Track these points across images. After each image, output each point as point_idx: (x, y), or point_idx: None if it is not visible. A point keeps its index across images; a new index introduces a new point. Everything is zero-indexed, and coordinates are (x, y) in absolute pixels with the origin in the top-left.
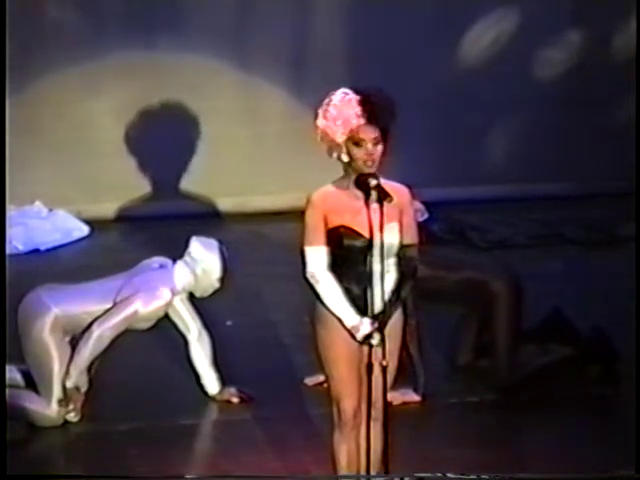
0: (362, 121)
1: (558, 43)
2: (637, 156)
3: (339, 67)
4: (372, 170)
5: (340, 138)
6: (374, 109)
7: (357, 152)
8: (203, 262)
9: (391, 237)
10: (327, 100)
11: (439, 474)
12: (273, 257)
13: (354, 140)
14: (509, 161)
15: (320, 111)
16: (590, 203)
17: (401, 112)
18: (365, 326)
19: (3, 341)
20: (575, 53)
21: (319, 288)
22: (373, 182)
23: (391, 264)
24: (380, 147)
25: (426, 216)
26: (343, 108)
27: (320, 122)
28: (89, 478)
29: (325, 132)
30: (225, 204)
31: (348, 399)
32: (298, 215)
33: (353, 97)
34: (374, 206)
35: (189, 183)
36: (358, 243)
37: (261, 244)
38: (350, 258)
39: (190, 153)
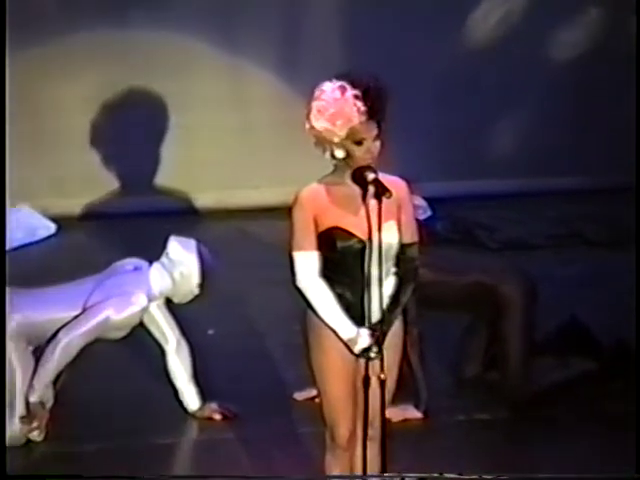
0: (363, 118)
1: (572, 23)
2: (637, 155)
3: (333, 49)
4: (369, 163)
5: (338, 138)
6: (374, 104)
7: (357, 150)
8: (182, 264)
9: (389, 237)
10: (318, 93)
11: (439, 474)
12: (260, 259)
13: (354, 139)
14: (520, 152)
15: (314, 108)
16: (612, 199)
17: (400, 100)
18: (363, 338)
19: (3, 340)
20: (591, 35)
21: (311, 296)
22: (371, 176)
23: (390, 267)
24: (379, 142)
25: (428, 214)
26: (343, 106)
27: (316, 123)
28: (89, 478)
29: (322, 133)
30: (207, 199)
31: (342, 417)
32: (289, 212)
33: (350, 92)
34: (372, 203)
35: (166, 176)
36: (353, 245)
37: (247, 244)
38: (344, 262)
39: (168, 143)
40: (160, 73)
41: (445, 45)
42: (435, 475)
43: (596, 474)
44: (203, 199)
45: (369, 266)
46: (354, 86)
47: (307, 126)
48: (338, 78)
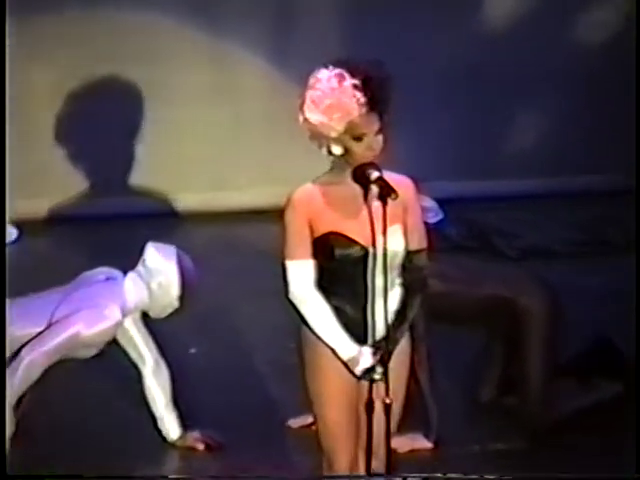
0: (363, 111)
1: (603, 3)
2: (637, 155)
3: (330, 34)
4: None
5: (336, 133)
6: (376, 94)
7: (356, 146)
8: (161, 274)
9: (395, 243)
10: (313, 82)
11: (441, 474)
12: (249, 267)
13: (354, 134)
14: (543, 149)
15: (308, 98)
16: None
17: (405, 90)
18: (366, 357)
19: (3, 339)
20: (622, 15)
21: (306, 310)
22: (374, 174)
23: (395, 277)
24: (381, 137)
25: (439, 217)
26: (340, 97)
27: (311, 115)
28: (89, 478)
29: (317, 127)
30: (189, 201)
31: (342, 447)
32: (281, 215)
33: (349, 81)
34: (375, 204)
35: (143, 175)
36: (354, 252)
37: (234, 251)
38: (344, 272)
39: (145, 138)
40: (136, 59)
41: (457, 32)
42: (438, 475)
43: (596, 474)
44: (185, 200)
45: (372, 276)
46: (353, 74)
47: (300, 118)
48: (335, 65)
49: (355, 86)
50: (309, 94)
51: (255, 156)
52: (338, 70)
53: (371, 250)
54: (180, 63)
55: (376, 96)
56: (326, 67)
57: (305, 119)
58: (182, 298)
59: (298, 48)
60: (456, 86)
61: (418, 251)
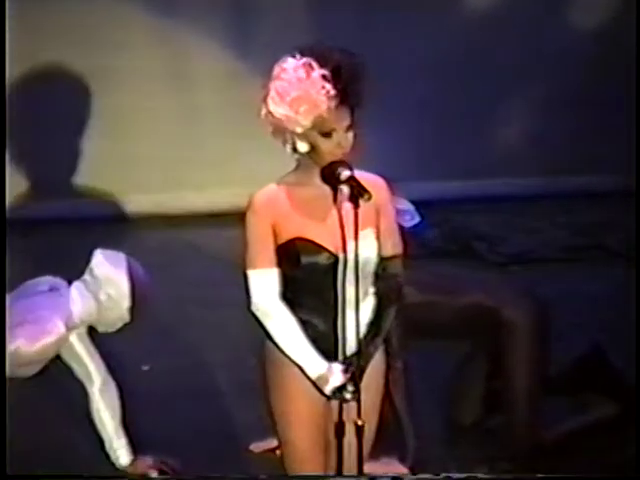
0: (333, 104)
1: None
2: (637, 156)
3: (298, 17)
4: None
5: (302, 128)
6: (347, 87)
7: (324, 143)
8: (110, 284)
9: (367, 249)
10: (278, 71)
11: (442, 474)
12: (206, 277)
13: (322, 130)
14: (528, 147)
15: (272, 89)
16: None
17: (379, 80)
18: (335, 375)
19: (3, 339)
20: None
21: (270, 324)
22: (345, 173)
23: (368, 286)
24: (352, 133)
25: (416, 220)
26: (308, 88)
27: (275, 108)
28: (89, 478)
29: (282, 122)
30: (140, 203)
31: (310, 472)
32: (240, 218)
33: (318, 71)
34: (346, 207)
35: (90, 175)
36: (322, 260)
37: (190, 258)
38: (311, 281)
39: (91, 133)
40: (80, 44)
41: (439, 22)
42: (437, 475)
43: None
44: (136, 202)
45: (342, 286)
46: (322, 64)
47: (263, 111)
48: (303, 53)
49: (324, 77)
50: (273, 85)
51: (213, 153)
52: (306, 59)
53: (341, 257)
54: (129, 48)
55: (347, 88)
56: (293, 56)
57: (268, 112)
58: (133, 310)
59: (261, 33)
60: (434, 77)
61: (392, 257)
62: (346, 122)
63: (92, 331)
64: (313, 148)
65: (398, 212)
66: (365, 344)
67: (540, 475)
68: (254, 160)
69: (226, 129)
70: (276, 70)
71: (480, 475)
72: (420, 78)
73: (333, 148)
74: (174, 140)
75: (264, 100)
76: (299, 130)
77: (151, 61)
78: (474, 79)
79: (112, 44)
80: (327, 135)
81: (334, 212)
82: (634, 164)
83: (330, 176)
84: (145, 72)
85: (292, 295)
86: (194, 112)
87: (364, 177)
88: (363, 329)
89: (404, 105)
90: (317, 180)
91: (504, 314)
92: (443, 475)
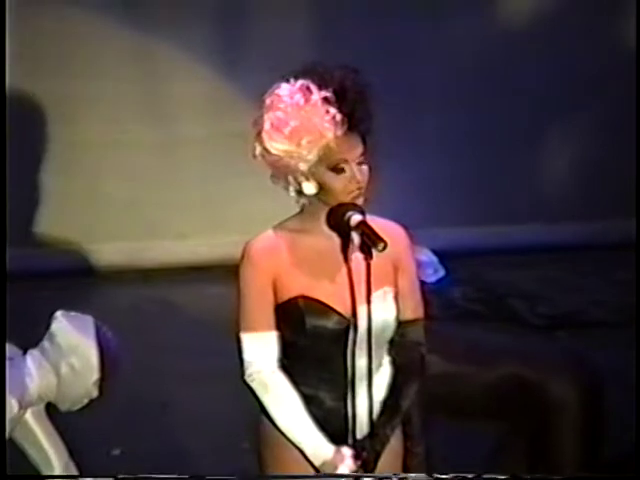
0: (340, 131)
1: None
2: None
3: (294, 30)
4: (359, 201)
5: (306, 164)
6: (355, 110)
7: (336, 180)
8: (73, 353)
9: (382, 311)
10: (272, 99)
11: (444, 475)
12: (190, 342)
13: (331, 164)
14: (571, 188)
15: (266, 122)
16: None
17: (397, 105)
18: (345, 461)
19: (3, 341)
20: None
21: (267, 399)
22: (355, 218)
23: (383, 356)
24: (366, 167)
25: (440, 274)
26: (309, 116)
27: (271, 144)
28: (89, 478)
29: (282, 159)
30: (110, 254)
31: None
32: (231, 272)
33: (318, 94)
34: (357, 259)
35: (49, 219)
36: (330, 324)
37: (170, 319)
38: (317, 349)
39: (51, 169)
40: (39, 65)
41: (471, 28)
42: (437, 476)
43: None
44: (104, 253)
45: (353, 355)
46: (323, 85)
47: (257, 150)
48: (298, 76)
49: (327, 100)
50: (267, 117)
51: (196, 194)
52: (302, 82)
53: (352, 321)
54: (95, 69)
55: (355, 111)
56: (286, 80)
57: (264, 150)
58: (102, 384)
59: (249, 55)
60: (463, 102)
61: (413, 321)
62: (358, 151)
63: (52, 408)
64: (322, 188)
65: (419, 265)
66: (380, 425)
67: (539, 475)
68: (247, 202)
69: (213, 166)
70: (268, 100)
71: (485, 475)
72: (433, 107)
73: (347, 184)
74: (150, 178)
75: (257, 137)
76: (304, 167)
77: (123, 84)
78: (511, 100)
79: (74, 65)
80: (338, 169)
81: (344, 266)
82: None
83: (338, 221)
84: (116, 97)
85: (294, 365)
86: (173, 145)
87: (378, 223)
88: (377, 407)
89: (422, 141)
90: (324, 227)
91: (549, 389)
92: (435, 476)
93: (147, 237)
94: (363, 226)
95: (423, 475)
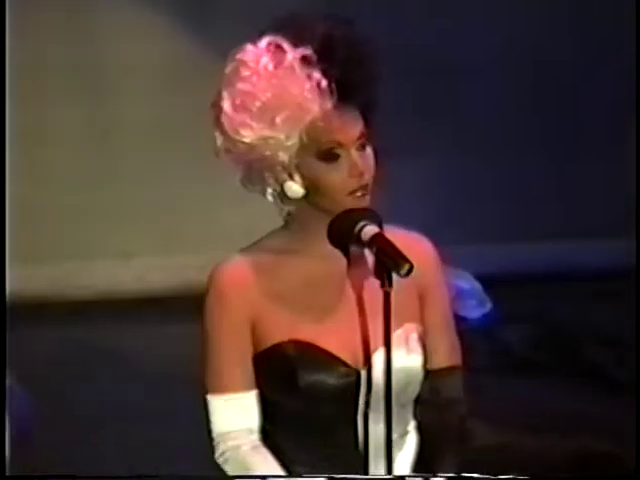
0: (328, 102)
1: None
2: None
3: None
4: (364, 203)
5: (287, 152)
6: (348, 71)
7: (329, 173)
8: None
9: (405, 357)
10: (232, 67)
11: (444, 475)
12: (134, 403)
13: (321, 149)
14: None
15: (226, 101)
16: None
17: (412, 80)
18: None
19: (3, 340)
20: None
21: None
22: (369, 229)
23: (407, 420)
24: (370, 150)
25: (486, 309)
26: (283, 83)
27: (238, 129)
28: (89, 478)
29: (252, 151)
30: (28, 280)
31: None
32: (192, 304)
33: (293, 53)
34: (369, 286)
35: None
36: (332, 378)
37: (106, 369)
38: (314, 413)
39: None
40: None
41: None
42: (437, 475)
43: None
44: (20, 279)
45: (365, 421)
46: (300, 41)
47: (219, 142)
48: (266, 32)
49: (306, 60)
50: (227, 93)
51: (145, 200)
52: (271, 38)
53: (364, 373)
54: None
55: (349, 75)
56: (252, 42)
57: (227, 141)
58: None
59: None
60: (516, 85)
61: (447, 370)
62: (356, 130)
63: None
64: (312, 186)
65: (457, 294)
66: None
67: (541, 475)
68: (214, 211)
69: (166, 161)
70: (229, 67)
71: (485, 475)
72: (477, 84)
73: (345, 177)
74: (79, 178)
75: (217, 123)
76: (283, 157)
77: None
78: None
79: None
80: (331, 157)
81: (351, 297)
82: None
83: (344, 235)
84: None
85: (284, 436)
86: (113, 132)
87: (396, 235)
88: None
89: (451, 127)
90: (321, 244)
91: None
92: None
93: (78, 257)
94: (380, 240)
95: (423, 475)
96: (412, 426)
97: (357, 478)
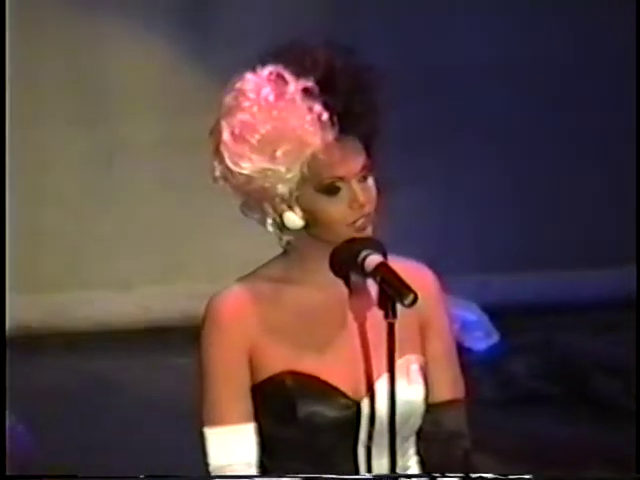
0: (329, 134)
1: None
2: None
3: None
4: (365, 233)
5: (286, 185)
6: (350, 102)
7: (330, 206)
8: None
9: (408, 390)
10: (232, 97)
11: (443, 475)
12: (134, 435)
13: (321, 182)
14: None
15: (226, 132)
16: None
17: (415, 103)
18: None
19: (3, 340)
20: None
21: None
22: (372, 259)
23: (410, 454)
24: (372, 181)
25: (491, 340)
26: (283, 115)
27: (237, 161)
28: (89, 478)
29: (251, 182)
30: (25, 311)
31: None
32: (193, 334)
33: (295, 84)
34: (371, 317)
35: None
36: (332, 410)
37: (105, 404)
38: (315, 447)
39: None
40: None
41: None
42: (437, 475)
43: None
44: (17, 310)
45: (368, 455)
46: (302, 72)
47: (217, 172)
48: (268, 61)
49: (308, 92)
50: (227, 123)
51: (146, 228)
52: (273, 67)
53: (364, 405)
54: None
55: (350, 106)
56: (252, 70)
57: (226, 170)
58: None
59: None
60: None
61: (449, 403)
62: (358, 163)
63: None
64: (312, 218)
65: (462, 325)
66: None
67: (544, 475)
68: (214, 238)
69: (166, 186)
70: (229, 96)
71: (485, 475)
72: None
73: (346, 210)
74: (79, 203)
75: (216, 152)
76: (283, 190)
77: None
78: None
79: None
80: (332, 190)
81: (353, 327)
82: None
83: (347, 264)
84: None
85: (280, 470)
86: (113, 154)
87: (399, 264)
88: None
89: (460, 151)
90: (321, 273)
91: None
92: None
93: (77, 287)
94: (384, 270)
95: (423, 475)
96: (414, 461)
97: (357, 477)
